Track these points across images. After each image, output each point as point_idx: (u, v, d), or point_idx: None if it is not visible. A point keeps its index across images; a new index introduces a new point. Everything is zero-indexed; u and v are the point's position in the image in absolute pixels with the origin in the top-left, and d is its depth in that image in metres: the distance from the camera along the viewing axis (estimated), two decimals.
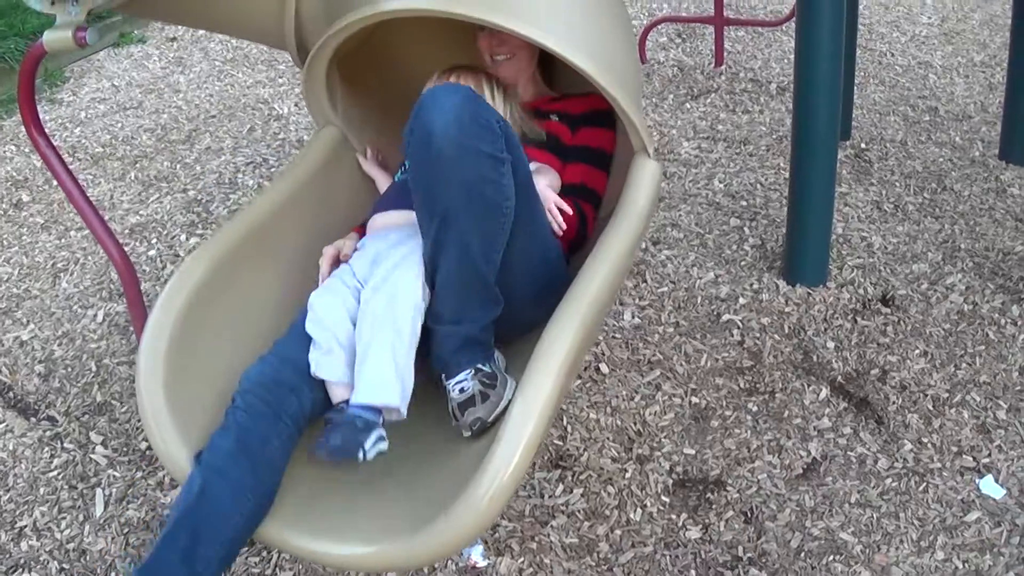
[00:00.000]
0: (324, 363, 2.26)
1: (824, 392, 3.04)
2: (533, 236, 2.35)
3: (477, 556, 2.53)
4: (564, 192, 2.69)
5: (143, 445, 3.00)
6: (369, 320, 2.22)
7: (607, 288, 2.29)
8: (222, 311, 2.48)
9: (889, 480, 2.74)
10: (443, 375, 2.28)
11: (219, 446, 2.13)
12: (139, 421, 3.07)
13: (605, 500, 2.73)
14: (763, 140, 4.65)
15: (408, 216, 2.46)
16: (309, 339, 2.31)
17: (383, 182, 2.96)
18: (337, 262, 2.60)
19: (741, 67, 5.61)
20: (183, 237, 4.11)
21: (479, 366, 2.24)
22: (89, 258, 4.05)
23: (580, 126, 2.84)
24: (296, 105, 5.46)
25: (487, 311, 2.29)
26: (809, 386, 3.07)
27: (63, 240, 4.21)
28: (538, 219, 2.37)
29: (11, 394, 3.28)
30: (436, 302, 2.27)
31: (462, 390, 2.21)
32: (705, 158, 4.50)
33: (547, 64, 3.05)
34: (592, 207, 2.75)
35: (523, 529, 2.65)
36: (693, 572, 2.52)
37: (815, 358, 3.18)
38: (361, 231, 2.70)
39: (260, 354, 2.36)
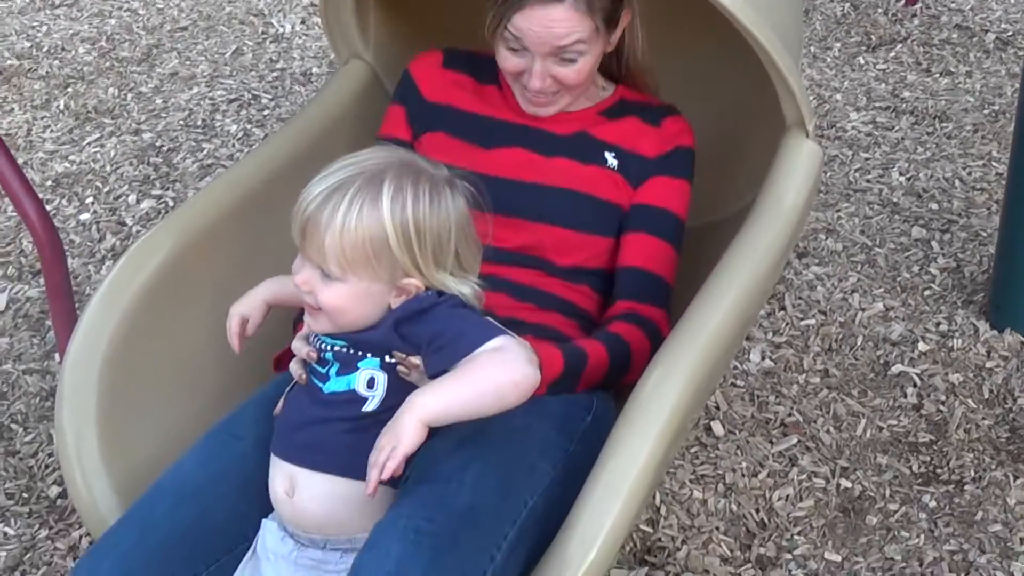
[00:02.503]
0: None
1: None
2: None
3: None
4: (616, 284, 2.64)
5: (53, 491, 3.03)
6: None
7: (737, 318, 2.28)
8: (185, 316, 2.49)
9: None
10: None
11: None
12: (51, 457, 3.10)
13: None
14: (969, 116, 4.62)
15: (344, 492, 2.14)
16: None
17: None
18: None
19: (944, 6, 5.58)
20: (132, 198, 4.15)
21: None
22: None
23: (651, 175, 2.68)
24: (304, 23, 5.51)
25: None
26: (1016, 479, 3.04)
27: None
28: None
29: None
30: None
31: None
32: (882, 138, 4.47)
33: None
34: (664, 311, 2.58)
35: None
36: None
37: None
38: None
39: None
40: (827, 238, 3.90)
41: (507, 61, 2.56)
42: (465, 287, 2.12)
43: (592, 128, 2.69)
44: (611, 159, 2.65)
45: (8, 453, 3.13)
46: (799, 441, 3.14)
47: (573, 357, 2.31)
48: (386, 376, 2.09)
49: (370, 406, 2.08)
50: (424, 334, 2.05)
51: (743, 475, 3.04)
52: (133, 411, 2.36)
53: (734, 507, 2.96)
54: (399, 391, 2.05)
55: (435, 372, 2.01)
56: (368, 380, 2.09)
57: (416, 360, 2.06)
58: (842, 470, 3.06)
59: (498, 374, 1.98)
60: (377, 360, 2.09)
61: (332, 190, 2.03)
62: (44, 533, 2.91)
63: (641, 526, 2.90)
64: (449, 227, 2.07)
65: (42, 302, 3.64)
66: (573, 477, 2.11)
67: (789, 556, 2.85)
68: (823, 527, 2.92)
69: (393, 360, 2.07)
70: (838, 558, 2.84)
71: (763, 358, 3.40)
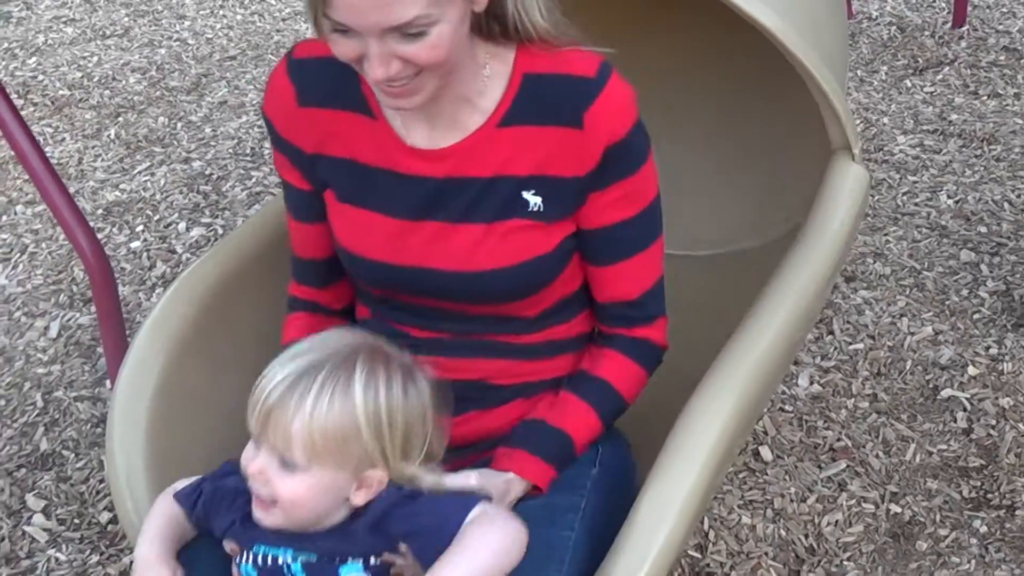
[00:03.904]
0: None
1: None
2: None
3: None
4: (597, 313, 2.27)
5: (104, 517, 3.05)
6: None
7: (785, 341, 2.27)
8: (234, 344, 2.51)
9: None
10: None
11: None
12: (102, 483, 3.12)
13: None
14: (1018, 138, 4.59)
15: None
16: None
17: None
18: None
19: (991, 28, 5.55)
20: (182, 226, 4.18)
21: None
22: (42, 245, 4.13)
23: (588, 190, 2.09)
24: None
25: None
26: None
27: (4, 217, 4.32)
28: None
29: None
30: None
31: None
32: (929, 161, 4.45)
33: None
34: (655, 321, 2.24)
35: None
36: None
37: None
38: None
39: None
40: (875, 262, 3.89)
41: (339, 46, 1.87)
42: (430, 476, 1.94)
43: (499, 161, 2.06)
44: (532, 200, 2.07)
45: (60, 479, 3.16)
46: (848, 466, 3.13)
47: (561, 452, 2.12)
48: None
49: None
50: (404, 527, 1.89)
51: (792, 500, 3.03)
52: (182, 438, 2.37)
53: (783, 532, 2.95)
54: None
55: (429, 560, 1.84)
56: None
57: (405, 548, 1.90)
58: (892, 495, 3.05)
59: (495, 538, 1.85)
60: (359, 563, 1.90)
61: (300, 374, 1.84)
62: (95, 559, 2.93)
63: (689, 551, 2.89)
64: (420, 416, 1.90)
65: (93, 329, 3.67)
66: (595, 530, 2.07)
67: None
68: (873, 552, 2.90)
69: (379, 561, 1.91)
70: None
71: (811, 383, 3.39)
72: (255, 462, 1.84)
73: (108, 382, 3.40)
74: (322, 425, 1.79)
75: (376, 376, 1.85)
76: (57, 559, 2.94)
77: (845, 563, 2.87)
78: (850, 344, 3.54)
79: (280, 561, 1.90)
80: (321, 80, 2.08)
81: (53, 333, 3.70)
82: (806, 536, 2.94)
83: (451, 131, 2.04)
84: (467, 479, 1.99)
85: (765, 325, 2.28)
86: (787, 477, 3.10)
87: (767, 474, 3.11)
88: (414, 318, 2.15)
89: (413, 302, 2.13)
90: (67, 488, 3.13)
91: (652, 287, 2.20)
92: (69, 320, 3.75)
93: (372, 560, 1.89)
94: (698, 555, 2.89)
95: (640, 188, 2.11)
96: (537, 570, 1.93)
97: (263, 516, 1.87)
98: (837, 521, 2.98)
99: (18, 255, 4.08)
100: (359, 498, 1.87)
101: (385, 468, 1.86)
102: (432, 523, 1.86)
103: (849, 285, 3.78)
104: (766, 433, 3.22)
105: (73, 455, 3.24)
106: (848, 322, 3.63)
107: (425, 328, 2.14)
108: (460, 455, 2.13)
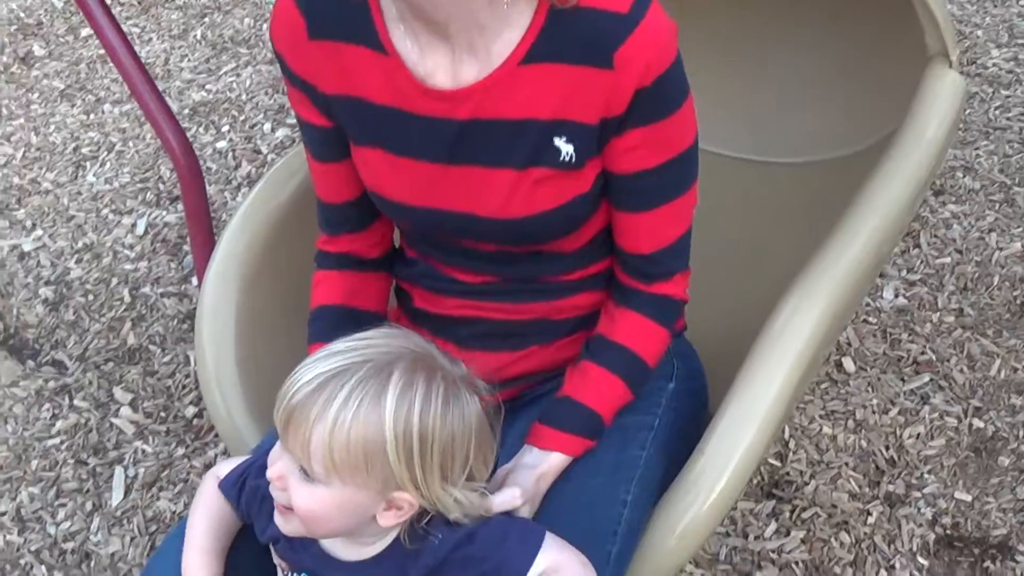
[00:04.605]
0: None
1: None
2: None
3: None
4: (617, 260, 2.13)
5: (190, 411, 3.10)
6: None
7: (872, 253, 2.27)
8: None
9: None
10: None
11: None
12: (187, 378, 3.17)
13: (835, 552, 2.72)
14: None
15: None
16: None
17: None
18: None
19: None
20: (267, 127, 4.20)
21: None
22: (129, 144, 4.17)
23: (612, 134, 1.92)
24: None
25: None
26: None
27: (92, 116, 4.35)
28: None
29: (0, 325, 3.41)
30: None
31: None
32: None
33: None
34: (677, 275, 2.11)
35: None
36: None
37: None
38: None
39: None
40: (964, 176, 3.85)
41: None
42: (477, 499, 1.76)
43: (524, 103, 1.90)
44: (564, 148, 1.92)
45: (147, 373, 3.21)
46: (931, 380, 3.12)
47: (591, 427, 2.02)
48: None
49: None
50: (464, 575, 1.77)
51: (873, 412, 3.03)
52: (268, 333, 2.40)
53: (864, 443, 2.95)
54: None
55: None
56: None
57: None
58: (975, 410, 3.04)
59: None
60: None
61: (329, 376, 1.65)
62: (180, 451, 2.99)
63: (769, 459, 2.91)
64: (461, 437, 1.69)
65: (179, 227, 3.71)
66: (669, 445, 2.05)
67: (918, 494, 2.84)
68: (954, 466, 2.90)
69: None
70: (968, 498, 2.83)
71: (896, 295, 3.38)
72: (275, 467, 1.70)
73: (195, 279, 3.44)
74: (343, 440, 1.62)
75: (413, 389, 1.66)
76: (144, 451, 2.99)
77: (926, 476, 2.87)
78: (937, 258, 3.52)
79: None
80: (330, 8, 1.92)
81: (140, 230, 3.74)
82: (887, 448, 2.95)
83: (473, 63, 1.88)
84: (513, 499, 1.87)
85: (858, 229, 2.27)
86: (869, 389, 3.10)
87: (849, 385, 3.11)
88: (458, 258, 2.08)
89: (451, 242, 2.05)
90: (153, 382, 3.18)
91: (673, 244, 2.04)
92: (156, 218, 3.79)
93: None
94: (778, 463, 2.90)
95: (669, 136, 1.93)
96: (606, 490, 1.94)
97: (282, 522, 1.75)
98: (919, 434, 2.98)
99: (106, 153, 4.12)
100: (387, 520, 1.71)
101: (416, 493, 1.68)
102: (494, 565, 1.75)
103: (937, 199, 3.75)
104: (849, 344, 3.21)
105: (160, 350, 3.29)
106: (935, 236, 3.60)
107: (474, 272, 2.08)
108: (521, 383, 2.15)
